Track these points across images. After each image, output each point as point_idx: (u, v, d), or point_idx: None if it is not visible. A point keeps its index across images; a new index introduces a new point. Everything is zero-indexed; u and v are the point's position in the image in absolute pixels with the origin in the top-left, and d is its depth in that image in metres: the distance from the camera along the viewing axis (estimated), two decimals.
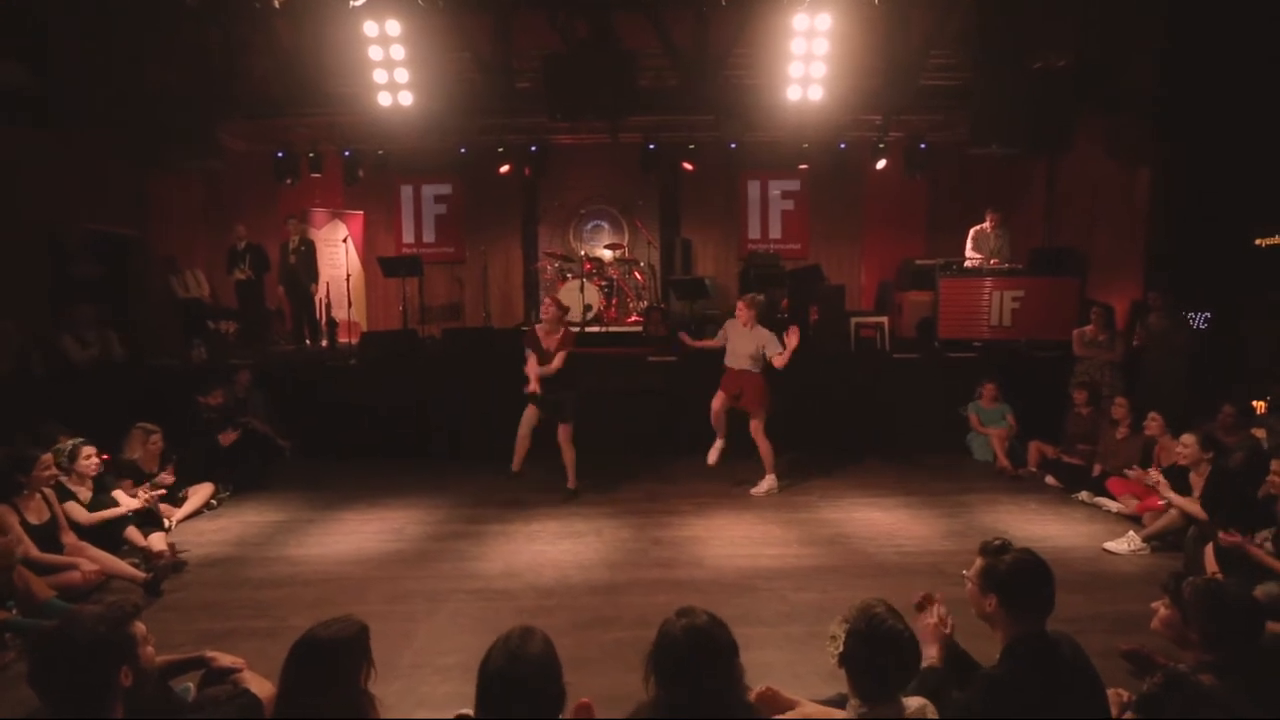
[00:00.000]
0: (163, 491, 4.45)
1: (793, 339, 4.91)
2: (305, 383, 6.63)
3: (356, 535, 4.52)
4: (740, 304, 5.22)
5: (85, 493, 4.01)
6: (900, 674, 1.70)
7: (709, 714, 1.58)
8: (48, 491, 3.70)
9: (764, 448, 5.20)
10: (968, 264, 7.33)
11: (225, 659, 2.15)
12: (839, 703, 1.92)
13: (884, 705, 1.66)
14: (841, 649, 1.68)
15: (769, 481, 5.25)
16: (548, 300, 5.22)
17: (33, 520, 3.58)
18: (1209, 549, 3.52)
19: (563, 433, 5.14)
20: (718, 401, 5.23)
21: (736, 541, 4.36)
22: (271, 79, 6.98)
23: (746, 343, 5.10)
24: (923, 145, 8.93)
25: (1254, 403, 5.56)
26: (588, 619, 3.36)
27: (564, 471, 5.21)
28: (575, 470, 5.20)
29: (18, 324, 5.80)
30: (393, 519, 4.79)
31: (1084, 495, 5.09)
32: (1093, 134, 7.30)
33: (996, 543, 1.95)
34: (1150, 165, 6.86)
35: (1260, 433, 4.78)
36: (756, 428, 5.18)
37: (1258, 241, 6.93)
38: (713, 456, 5.29)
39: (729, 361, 5.20)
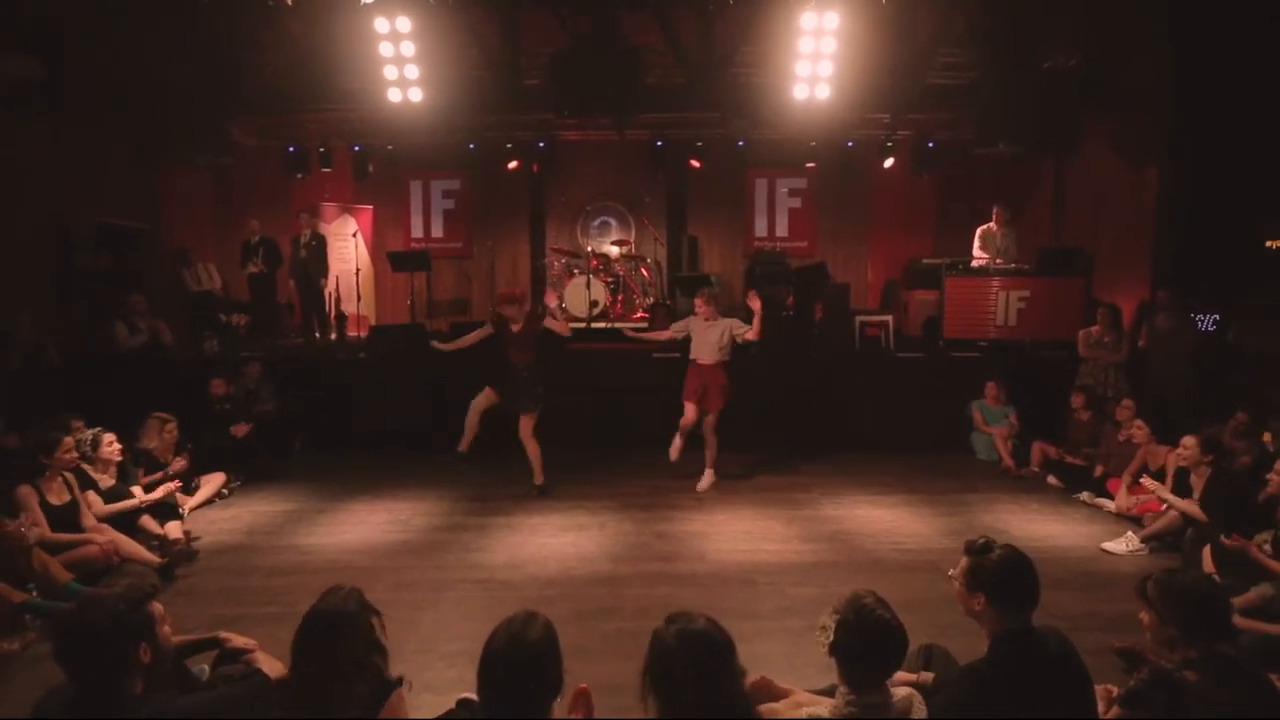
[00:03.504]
0: (179, 483, 4.55)
1: (755, 303, 5.08)
2: (315, 376, 6.73)
3: (364, 525, 4.61)
4: (699, 300, 5.27)
5: (108, 480, 4.11)
6: (888, 663, 1.74)
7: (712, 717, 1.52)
8: (69, 475, 3.80)
9: (715, 444, 5.27)
10: (974, 263, 7.32)
11: (238, 640, 2.23)
12: (832, 693, 1.97)
13: (871, 694, 1.71)
14: (831, 639, 1.72)
15: (710, 476, 5.31)
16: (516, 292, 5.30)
17: (53, 502, 3.67)
18: (1206, 550, 3.54)
19: (525, 426, 5.00)
20: (690, 414, 5.19)
21: (737, 536, 4.41)
22: (283, 75, 7.07)
23: (712, 334, 5.15)
24: (930, 144, 8.91)
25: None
26: (590, 609, 3.42)
27: (530, 469, 5.11)
28: (542, 465, 5.11)
29: (31, 317, 5.92)
30: (399, 510, 4.88)
31: (1085, 496, 5.11)
32: (1100, 133, 7.27)
33: (980, 541, 1.98)
34: (1158, 164, 6.83)
35: (1266, 436, 4.78)
36: (711, 424, 5.22)
37: (1268, 243, 6.89)
38: (675, 454, 5.26)
39: (697, 356, 5.21)
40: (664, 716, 1.57)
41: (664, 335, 5.49)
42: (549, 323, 5.22)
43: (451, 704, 2.25)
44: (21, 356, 5.62)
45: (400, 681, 1.94)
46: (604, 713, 2.01)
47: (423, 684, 2.70)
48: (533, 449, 5.08)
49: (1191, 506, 3.90)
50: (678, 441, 5.30)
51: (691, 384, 5.23)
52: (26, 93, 5.93)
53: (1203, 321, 6.69)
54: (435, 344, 5.39)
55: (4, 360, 5.55)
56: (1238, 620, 2.67)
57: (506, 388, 5.05)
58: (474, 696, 1.70)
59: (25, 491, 3.57)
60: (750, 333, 5.12)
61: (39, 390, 5.52)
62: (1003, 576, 1.89)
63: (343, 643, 1.80)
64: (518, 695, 1.55)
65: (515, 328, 5.08)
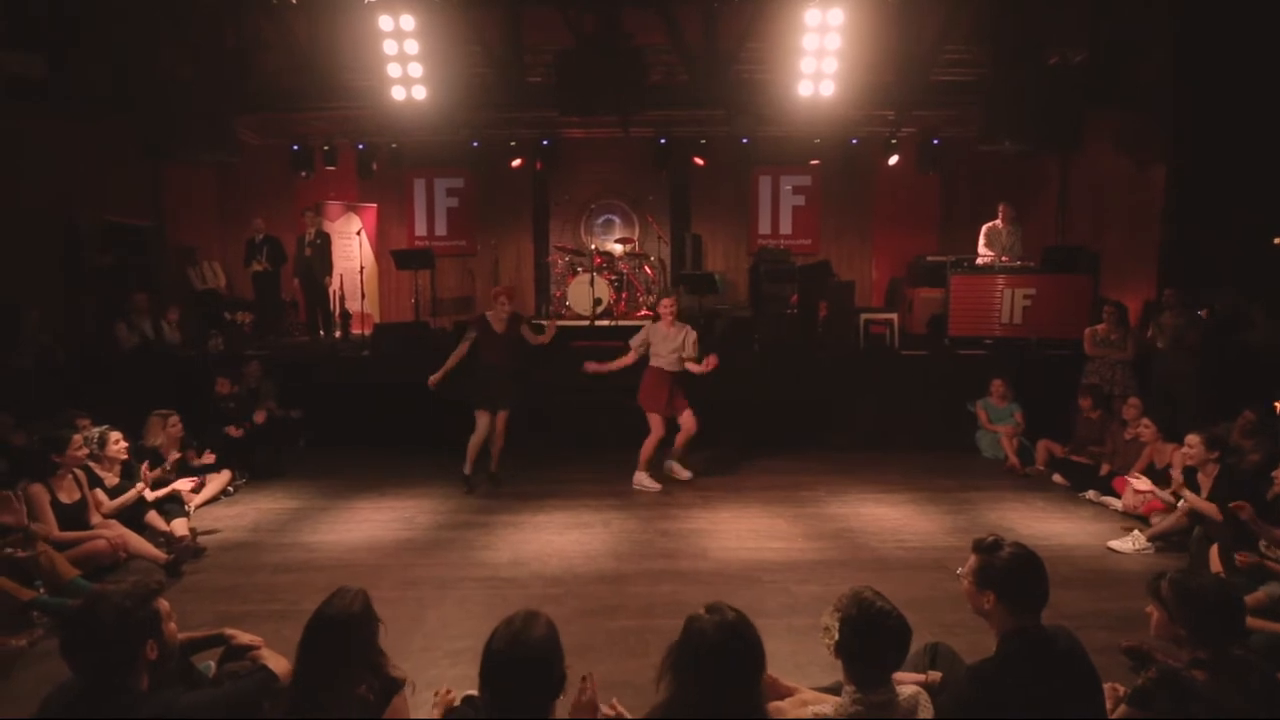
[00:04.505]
0: (197, 480, 4.56)
1: (711, 362, 5.06)
2: (319, 374, 6.74)
3: (368, 523, 4.62)
4: (667, 301, 5.20)
5: (112, 478, 4.13)
6: (894, 657, 1.73)
7: (730, 714, 1.54)
8: (79, 473, 3.82)
9: (686, 436, 5.20)
10: (980, 261, 7.29)
11: (244, 637, 2.23)
12: (837, 691, 1.97)
13: (878, 691, 1.70)
14: (836, 638, 1.71)
15: (680, 465, 5.30)
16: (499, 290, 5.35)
17: (64, 500, 3.69)
18: (1214, 549, 3.51)
19: (501, 421, 5.16)
20: (659, 427, 5.13)
21: (742, 534, 4.40)
22: (287, 73, 7.08)
23: (673, 341, 5.13)
24: (935, 141, 8.88)
25: (1276, 404, 5.49)
26: (593, 607, 3.42)
27: (495, 460, 5.23)
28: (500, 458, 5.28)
29: (41, 311, 5.95)
30: (404, 508, 4.88)
31: (1091, 494, 5.08)
32: (1106, 130, 7.24)
33: (989, 539, 1.96)
34: (1164, 161, 6.78)
35: None
36: (691, 416, 5.17)
37: (1276, 240, 6.84)
38: (653, 485, 5.19)
39: (659, 363, 5.16)
40: (675, 699, 1.57)
41: (629, 359, 5.25)
42: (524, 333, 5.20)
43: (456, 702, 2.25)
44: (31, 354, 5.65)
45: (404, 683, 1.94)
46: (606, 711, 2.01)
47: (427, 681, 2.71)
48: (501, 442, 5.22)
49: (1208, 505, 3.86)
50: (647, 475, 5.19)
51: (657, 392, 5.13)
52: (33, 89, 5.95)
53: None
54: (432, 381, 5.11)
55: (11, 357, 5.58)
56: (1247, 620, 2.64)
57: (489, 390, 5.09)
58: (477, 694, 1.70)
59: (37, 490, 3.59)
60: (695, 367, 5.05)
61: (43, 388, 5.55)
62: (1012, 574, 1.88)
63: (349, 643, 1.80)
64: (519, 694, 1.55)
65: (499, 329, 5.11)
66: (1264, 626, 2.87)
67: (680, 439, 5.25)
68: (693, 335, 5.17)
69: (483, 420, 5.14)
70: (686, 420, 5.20)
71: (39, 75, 5.92)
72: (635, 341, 5.27)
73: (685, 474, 5.29)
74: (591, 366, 5.26)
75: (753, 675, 1.59)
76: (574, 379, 5.35)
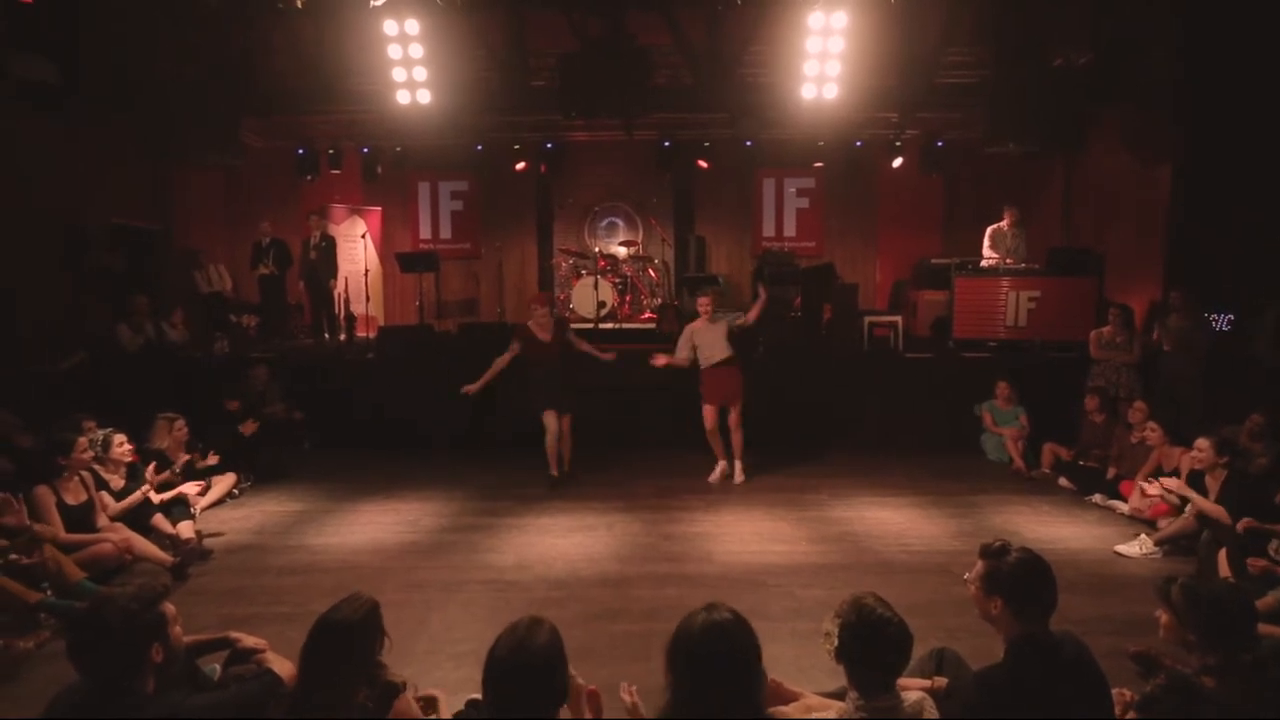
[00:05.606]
0: (203, 484, 4.57)
1: (762, 292, 5.61)
2: (324, 377, 6.76)
3: (373, 526, 4.63)
4: (702, 301, 5.40)
5: (119, 481, 4.14)
6: (895, 662, 1.73)
7: (721, 714, 1.53)
8: (85, 475, 3.84)
9: (740, 437, 5.41)
10: (984, 263, 7.27)
11: (249, 640, 2.24)
12: (842, 696, 1.96)
13: (881, 697, 1.70)
14: (837, 644, 1.71)
15: (740, 468, 5.45)
16: (540, 297, 5.55)
17: (70, 501, 3.71)
18: (1222, 554, 3.49)
19: (568, 423, 5.33)
20: (710, 418, 5.37)
21: (746, 538, 4.39)
22: (292, 77, 7.12)
23: (717, 335, 5.30)
24: (939, 143, 8.87)
25: None
26: (597, 611, 3.42)
27: (567, 461, 5.42)
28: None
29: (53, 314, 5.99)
30: (408, 511, 4.89)
31: (1098, 498, 5.05)
32: (1111, 132, 7.22)
33: (996, 545, 1.95)
34: (1170, 162, 6.76)
35: None
36: (735, 420, 5.35)
37: None
38: (715, 477, 5.44)
39: (709, 360, 5.31)
40: (674, 698, 1.57)
41: (682, 361, 5.39)
42: (582, 345, 5.33)
43: (460, 705, 2.25)
44: (71, 359, 5.70)
45: (403, 685, 1.95)
46: (611, 713, 2.01)
47: (431, 684, 2.70)
48: (570, 442, 5.39)
49: (1215, 508, 3.83)
50: (720, 465, 5.45)
51: (715, 386, 5.33)
52: (41, 94, 5.99)
53: (1217, 321, 6.60)
54: (465, 389, 5.18)
55: (16, 358, 5.61)
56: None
57: (553, 391, 5.19)
58: (480, 697, 1.70)
59: (42, 492, 3.61)
60: (752, 314, 5.44)
61: (51, 390, 5.57)
62: (1020, 580, 1.86)
63: (351, 648, 1.81)
64: (522, 701, 1.54)
65: (545, 337, 5.13)
66: (1274, 632, 2.84)
67: (733, 440, 5.40)
68: (734, 316, 5.46)
69: (551, 421, 5.23)
70: (733, 420, 5.34)
71: (49, 79, 5.96)
72: (680, 343, 5.43)
73: (740, 477, 5.42)
74: (658, 361, 5.44)
75: (741, 678, 1.56)
76: (576, 381, 5.37)
